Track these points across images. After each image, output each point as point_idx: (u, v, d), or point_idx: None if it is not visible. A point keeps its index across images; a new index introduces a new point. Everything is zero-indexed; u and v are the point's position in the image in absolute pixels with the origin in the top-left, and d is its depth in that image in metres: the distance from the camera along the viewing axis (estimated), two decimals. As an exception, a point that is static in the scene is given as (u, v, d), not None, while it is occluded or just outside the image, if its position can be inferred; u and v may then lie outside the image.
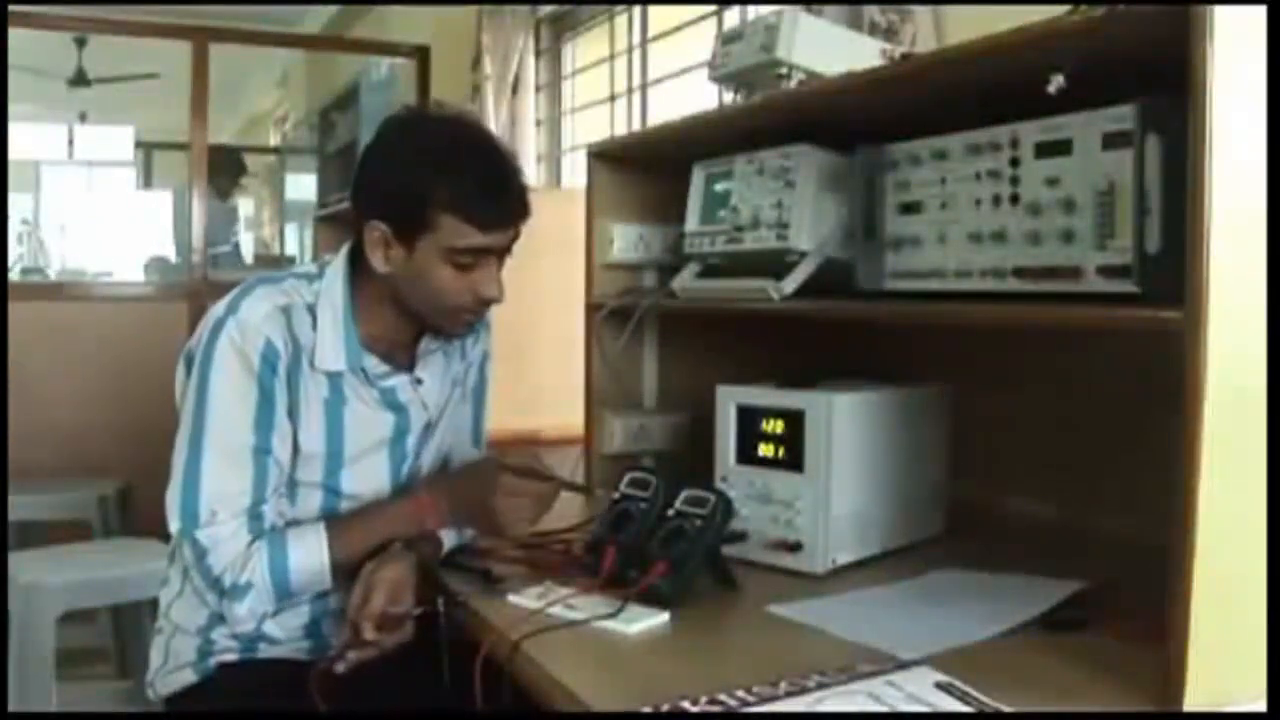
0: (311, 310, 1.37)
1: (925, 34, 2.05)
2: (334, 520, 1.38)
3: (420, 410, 1.47)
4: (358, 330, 1.39)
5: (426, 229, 1.32)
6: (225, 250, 4.58)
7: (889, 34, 2.06)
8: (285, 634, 1.39)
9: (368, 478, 1.43)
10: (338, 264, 1.42)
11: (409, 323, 1.43)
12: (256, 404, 1.32)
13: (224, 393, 1.31)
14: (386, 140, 1.40)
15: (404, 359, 1.46)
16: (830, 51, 1.52)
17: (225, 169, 5.15)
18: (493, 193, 1.34)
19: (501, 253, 1.38)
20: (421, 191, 1.31)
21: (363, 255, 1.38)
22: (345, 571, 1.34)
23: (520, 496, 1.39)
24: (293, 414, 1.35)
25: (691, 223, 1.67)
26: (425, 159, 1.33)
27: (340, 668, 1.27)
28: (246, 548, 1.30)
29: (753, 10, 2.80)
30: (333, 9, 6.04)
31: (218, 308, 1.36)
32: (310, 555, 1.33)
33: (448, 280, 1.34)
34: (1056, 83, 1.09)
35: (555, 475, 1.43)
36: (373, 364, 1.41)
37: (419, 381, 1.46)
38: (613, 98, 3.67)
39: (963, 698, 0.94)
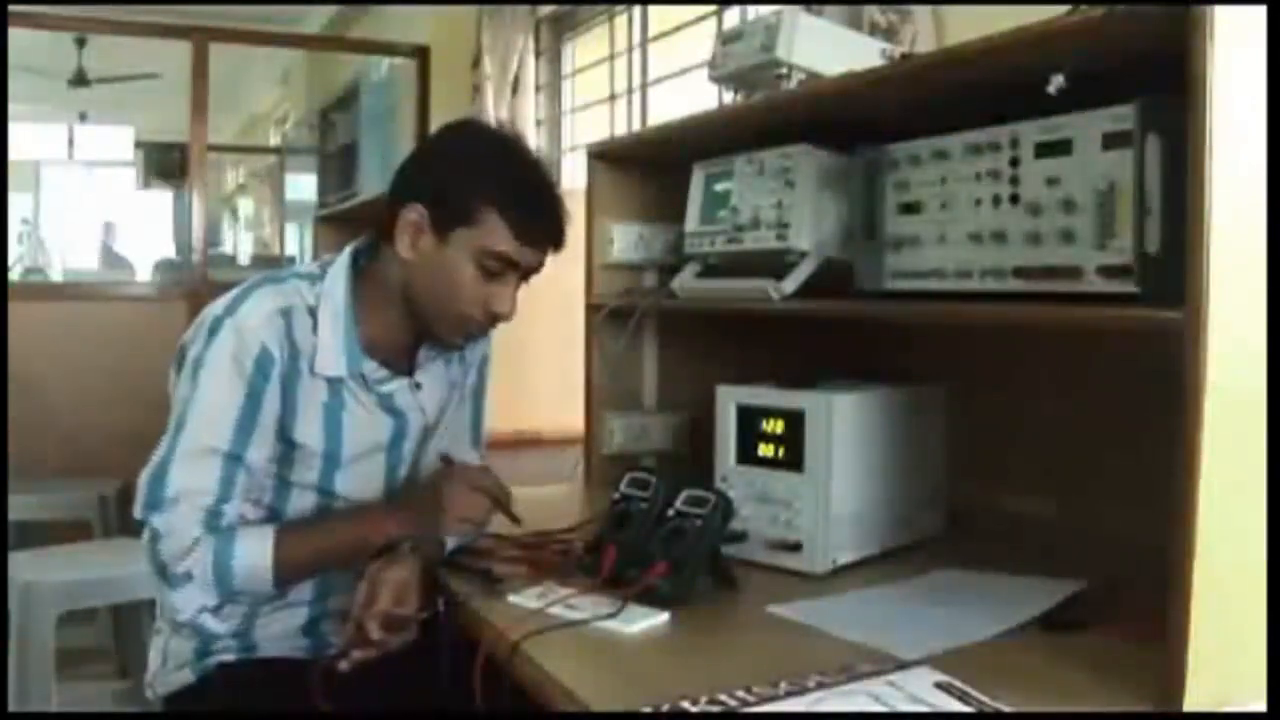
0: (313, 313, 1.37)
1: (925, 34, 2.05)
2: (286, 524, 1.37)
3: (418, 415, 1.47)
4: (358, 334, 1.39)
5: (467, 222, 1.34)
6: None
7: (889, 34, 2.06)
8: (284, 634, 1.39)
9: (362, 481, 1.43)
10: (340, 265, 1.42)
11: (410, 325, 1.43)
12: (241, 409, 1.32)
13: (210, 394, 1.31)
14: (445, 138, 1.47)
15: (403, 363, 1.46)
16: (830, 51, 1.52)
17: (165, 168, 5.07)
18: (540, 209, 1.37)
19: (526, 273, 1.39)
20: (474, 184, 1.35)
21: (369, 255, 1.40)
22: (290, 577, 1.34)
23: (478, 491, 1.38)
24: (289, 419, 1.35)
25: (691, 223, 1.67)
26: (485, 157, 1.39)
27: (343, 666, 1.27)
28: (194, 540, 1.29)
29: (753, 10, 2.80)
30: (333, 9, 6.05)
31: (216, 307, 1.36)
32: (254, 554, 1.31)
33: (467, 281, 1.35)
34: (1056, 83, 1.09)
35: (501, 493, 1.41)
36: (371, 369, 1.41)
37: (418, 386, 1.46)
38: (613, 98, 3.67)
39: (963, 698, 0.94)
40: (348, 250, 1.44)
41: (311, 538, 1.37)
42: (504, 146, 1.42)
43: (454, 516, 1.36)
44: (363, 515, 1.40)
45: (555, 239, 1.39)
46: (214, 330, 1.33)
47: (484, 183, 1.35)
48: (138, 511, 1.32)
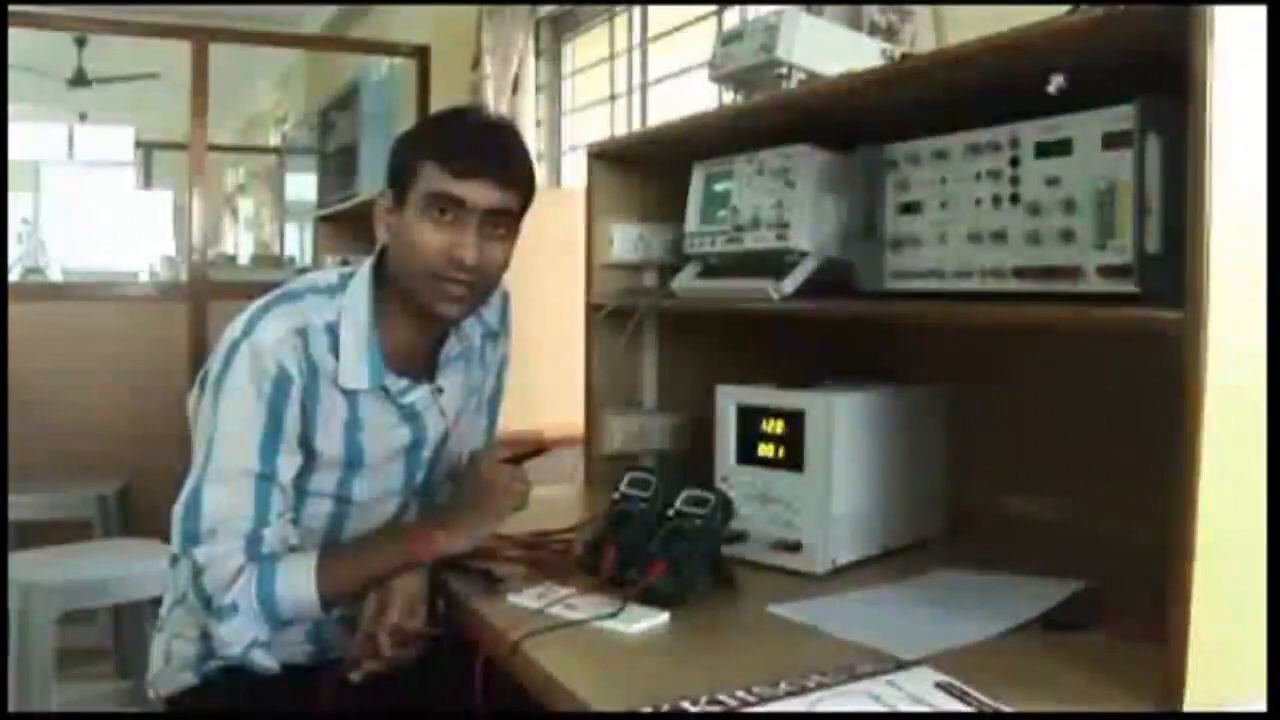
0: (331, 329, 1.35)
1: (925, 34, 2.05)
2: (328, 550, 1.36)
3: (438, 419, 1.46)
4: (381, 346, 1.38)
5: (412, 180, 1.35)
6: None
7: (889, 34, 2.06)
8: (287, 640, 1.39)
9: (379, 487, 1.43)
10: (361, 277, 1.40)
11: (428, 325, 1.42)
12: (264, 430, 1.31)
13: (232, 418, 1.30)
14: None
15: (425, 368, 1.45)
16: (830, 51, 1.52)
17: None
18: (470, 142, 1.37)
19: (485, 215, 1.35)
20: (412, 147, 1.40)
21: (383, 263, 1.41)
22: (336, 601, 1.33)
23: (512, 485, 1.38)
24: (309, 435, 1.34)
25: (691, 223, 1.66)
26: (422, 124, 1.54)
27: (354, 677, 1.27)
28: (238, 570, 1.28)
29: (753, 10, 2.80)
30: (333, 9, 6.05)
31: (233, 329, 1.34)
32: (298, 583, 1.30)
33: (426, 236, 1.34)
34: (1056, 83, 1.09)
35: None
36: (393, 381, 1.40)
37: (439, 391, 1.46)
38: (613, 98, 3.67)
39: (962, 698, 0.94)
40: (369, 261, 1.43)
41: (357, 562, 1.34)
42: (442, 112, 1.51)
43: (505, 499, 1.36)
44: (406, 533, 1.38)
45: (492, 167, 1.35)
46: (230, 354, 1.31)
47: (419, 141, 1.40)
48: (175, 545, 1.30)
